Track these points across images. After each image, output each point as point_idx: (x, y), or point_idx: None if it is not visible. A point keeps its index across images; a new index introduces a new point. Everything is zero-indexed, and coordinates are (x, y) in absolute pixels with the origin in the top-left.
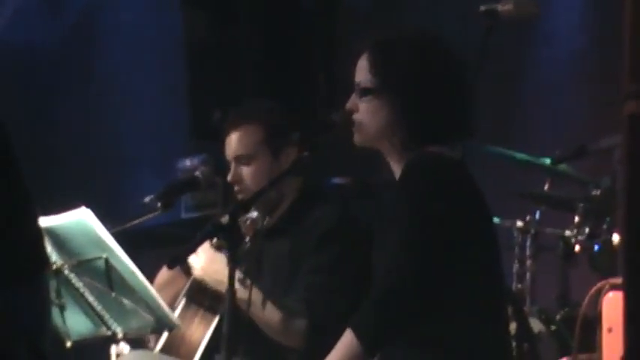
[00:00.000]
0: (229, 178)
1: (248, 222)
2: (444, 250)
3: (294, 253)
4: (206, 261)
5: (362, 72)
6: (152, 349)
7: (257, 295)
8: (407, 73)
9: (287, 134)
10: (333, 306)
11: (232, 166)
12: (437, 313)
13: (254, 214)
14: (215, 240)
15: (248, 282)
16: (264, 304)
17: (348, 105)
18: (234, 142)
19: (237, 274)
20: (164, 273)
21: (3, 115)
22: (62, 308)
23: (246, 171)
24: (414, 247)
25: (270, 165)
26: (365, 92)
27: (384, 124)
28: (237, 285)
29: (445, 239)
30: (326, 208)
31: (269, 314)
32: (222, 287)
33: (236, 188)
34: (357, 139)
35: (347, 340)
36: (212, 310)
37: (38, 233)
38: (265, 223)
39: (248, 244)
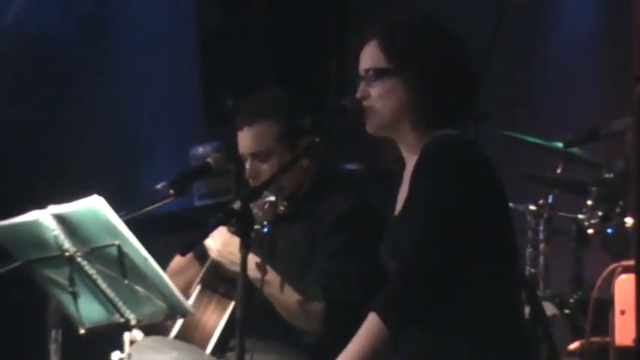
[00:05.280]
0: (247, 174)
1: (266, 206)
2: (466, 228)
3: (308, 238)
4: (221, 243)
5: (373, 56)
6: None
7: (275, 278)
8: (424, 52)
9: (301, 124)
10: (350, 290)
11: (249, 162)
12: (457, 292)
13: (272, 197)
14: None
15: (266, 267)
16: (282, 286)
17: (359, 93)
18: (249, 139)
19: (255, 259)
20: (177, 260)
21: (16, 104)
22: (75, 295)
23: (264, 167)
24: (436, 226)
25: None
26: (379, 74)
27: (399, 106)
28: (255, 269)
29: (467, 218)
30: (341, 193)
31: (287, 296)
32: (238, 269)
33: (252, 182)
34: (370, 126)
35: (371, 323)
36: (227, 296)
37: None
38: (283, 208)
39: (267, 228)
